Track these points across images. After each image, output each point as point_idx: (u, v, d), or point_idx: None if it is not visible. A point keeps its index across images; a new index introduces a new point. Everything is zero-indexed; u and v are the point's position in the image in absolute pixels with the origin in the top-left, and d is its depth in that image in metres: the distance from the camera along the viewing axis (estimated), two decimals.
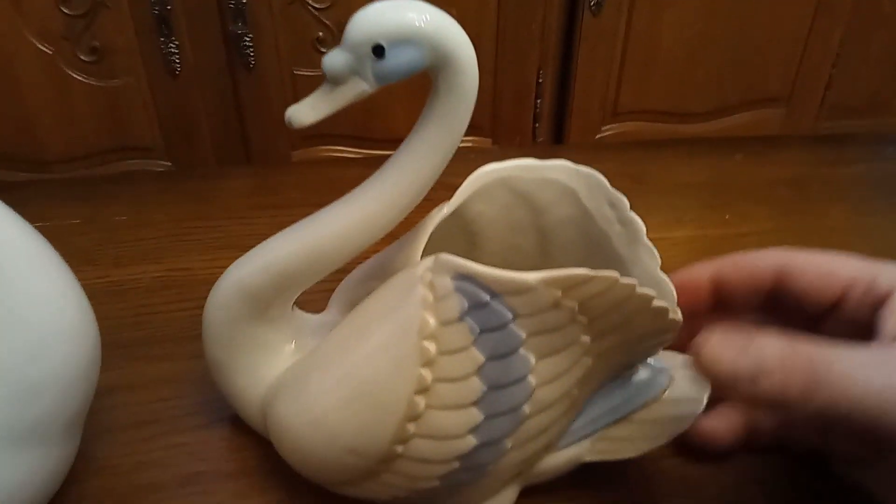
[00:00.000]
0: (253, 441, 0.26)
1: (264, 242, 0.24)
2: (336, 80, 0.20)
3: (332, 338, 0.23)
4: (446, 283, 0.20)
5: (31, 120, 0.90)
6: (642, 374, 0.24)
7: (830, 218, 0.43)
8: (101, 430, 0.27)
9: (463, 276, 0.20)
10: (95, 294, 0.35)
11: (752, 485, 0.26)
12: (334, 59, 0.20)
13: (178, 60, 0.90)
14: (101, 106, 0.91)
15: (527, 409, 0.21)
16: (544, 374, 0.20)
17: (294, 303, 0.26)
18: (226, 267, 0.38)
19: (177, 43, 0.88)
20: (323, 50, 0.93)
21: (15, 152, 0.90)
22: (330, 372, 0.22)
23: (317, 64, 0.95)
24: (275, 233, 0.41)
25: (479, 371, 0.20)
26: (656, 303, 0.20)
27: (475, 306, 0.20)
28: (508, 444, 0.21)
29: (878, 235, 0.41)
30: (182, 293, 0.35)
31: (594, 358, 0.21)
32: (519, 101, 1.01)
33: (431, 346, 0.20)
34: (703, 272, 0.25)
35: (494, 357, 0.20)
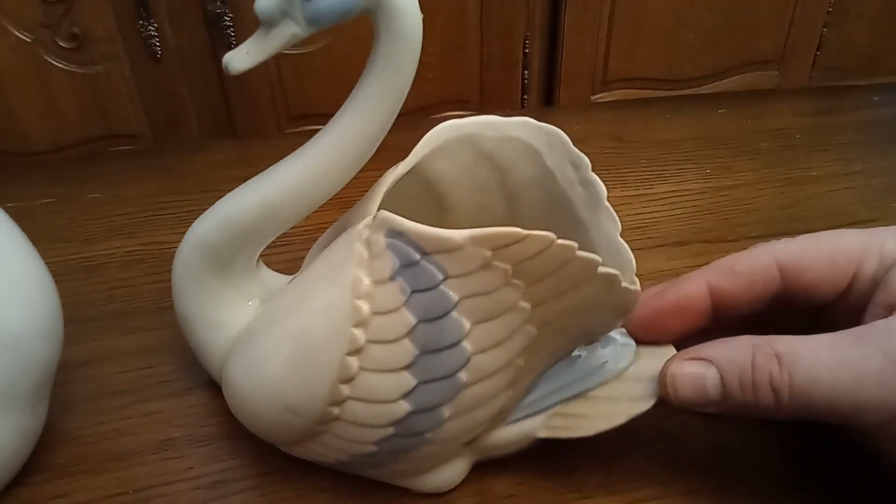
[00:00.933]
0: (226, 407, 0.26)
1: (223, 198, 0.24)
2: (268, 23, 0.20)
3: (280, 297, 0.23)
4: (380, 240, 0.20)
5: (13, 110, 0.89)
6: (604, 349, 0.23)
7: (814, 167, 0.43)
8: (73, 401, 0.27)
9: (395, 233, 0.19)
10: (69, 270, 0.35)
11: (727, 450, 0.25)
12: (263, 1, 0.19)
13: (158, 44, 0.89)
14: (83, 94, 0.90)
15: (463, 376, 0.20)
16: (481, 341, 0.20)
17: (261, 260, 0.26)
18: None
19: (156, 26, 0.87)
20: None
21: (0, 144, 0.89)
22: (275, 331, 0.22)
23: (299, 42, 0.95)
24: None
25: (411, 333, 0.19)
26: (603, 269, 0.19)
27: (406, 265, 0.19)
28: (446, 412, 0.20)
29: (862, 182, 0.41)
30: (154, 267, 0.35)
31: (538, 327, 0.20)
32: (506, 71, 1.00)
33: (365, 306, 0.19)
34: (697, 289, 0.23)
35: (426, 319, 0.19)
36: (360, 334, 0.20)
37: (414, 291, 0.19)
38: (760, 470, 0.24)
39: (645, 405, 0.22)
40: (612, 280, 0.20)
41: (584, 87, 1.05)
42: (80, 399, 0.27)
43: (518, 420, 0.22)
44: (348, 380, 0.20)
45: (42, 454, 0.24)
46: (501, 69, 0.99)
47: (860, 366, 0.18)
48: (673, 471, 0.24)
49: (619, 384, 0.22)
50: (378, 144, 0.23)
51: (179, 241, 0.37)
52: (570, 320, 0.21)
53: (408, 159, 0.23)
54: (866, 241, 0.22)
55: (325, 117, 0.87)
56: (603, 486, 0.23)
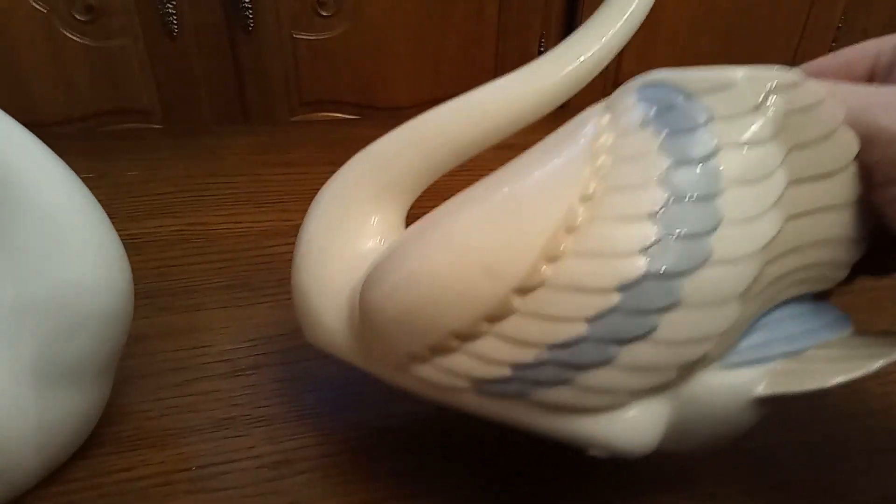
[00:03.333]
0: (282, 388, 0.27)
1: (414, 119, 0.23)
2: None
3: (462, 194, 0.20)
4: (628, 100, 0.18)
5: (26, 81, 0.88)
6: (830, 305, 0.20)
7: None
8: (130, 377, 0.27)
9: (650, 85, 0.18)
10: None
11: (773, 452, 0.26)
12: None
13: (175, 21, 0.88)
14: (97, 67, 0.89)
15: (710, 244, 0.16)
16: (734, 208, 0.16)
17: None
18: (244, 223, 0.38)
19: (174, 3, 0.87)
20: (323, 13, 0.92)
21: (9, 114, 0.88)
22: (460, 207, 0.19)
23: (317, 27, 0.94)
24: (289, 189, 0.41)
25: (663, 176, 0.16)
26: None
27: (664, 109, 0.17)
28: (682, 288, 0.16)
29: None
30: (200, 247, 0.35)
31: (784, 221, 0.17)
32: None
33: (604, 155, 0.17)
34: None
35: (681, 162, 0.16)
36: (593, 179, 0.17)
37: (671, 132, 0.17)
38: (800, 476, 0.25)
39: (879, 361, 0.18)
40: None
41: (596, 87, 1.04)
42: (137, 375, 0.27)
43: (732, 367, 0.18)
44: (573, 229, 0.17)
45: (105, 426, 0.25)
46: (517, 66, 0.99)
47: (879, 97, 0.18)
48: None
49: (845, 342, 0.19)
50: (596, 73, 0.22)
51: (223, 222, 0.37)
52: (812, 229, 0.18)
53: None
54: (886, 39, 0.21)
55: (337, 104, 0.88)
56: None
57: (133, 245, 0.35)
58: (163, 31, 0.89)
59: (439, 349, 0.18)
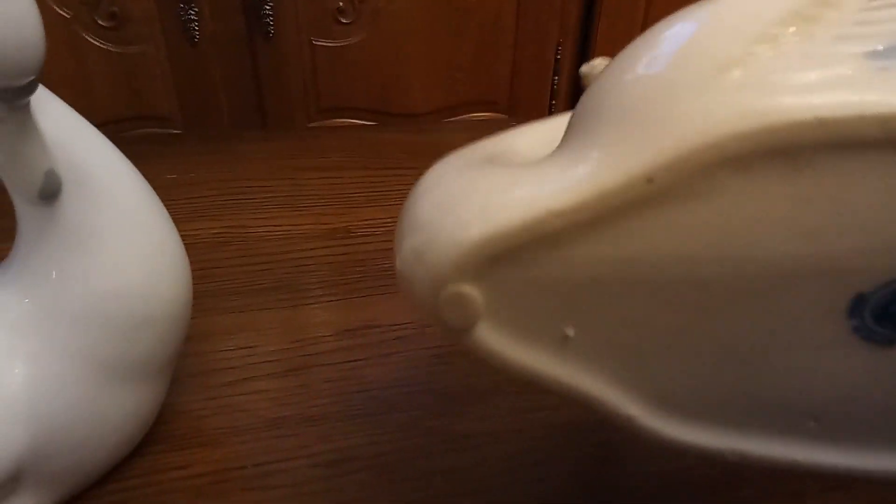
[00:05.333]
0: (332, 388, 0.27)
1: None
2: None
3: None
4: None
5: (47, 85, 0.89)
6: None
7: None
8: (180, 376, 0.27)
9: None
10: None
11: None
12: None
13: (196, 28, 0.89)
14: (117, 73, 0.90)
15: None
16: None
17: None
18: (283, 225, 0.38)
19: (196, 10, 0.88)
20: (343, 20, 0.93)
21: None
22: None
23: (336, 35, 0.95)
24: (325, 193, 0.41)
25: None
26: None
27: None
28: None
29: None
30: (241, 250, 0.35)
31: None
32: (538, 76, 1.01)
33: None
34: None
35: None
36: None
37: None
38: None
39: None
40: None
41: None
42: (186, 374, 0.28)
43: None
44: None
45: (160, 424, 0.25)
46: (534, 73, 1.00)
47: None
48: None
49: None
50: None
51: (263, 225, 0.38)
52: None
53: None
54: None
55: (354, 111, 0.88)
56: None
57: None
58: (184, 38, 0.90)
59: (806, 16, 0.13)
